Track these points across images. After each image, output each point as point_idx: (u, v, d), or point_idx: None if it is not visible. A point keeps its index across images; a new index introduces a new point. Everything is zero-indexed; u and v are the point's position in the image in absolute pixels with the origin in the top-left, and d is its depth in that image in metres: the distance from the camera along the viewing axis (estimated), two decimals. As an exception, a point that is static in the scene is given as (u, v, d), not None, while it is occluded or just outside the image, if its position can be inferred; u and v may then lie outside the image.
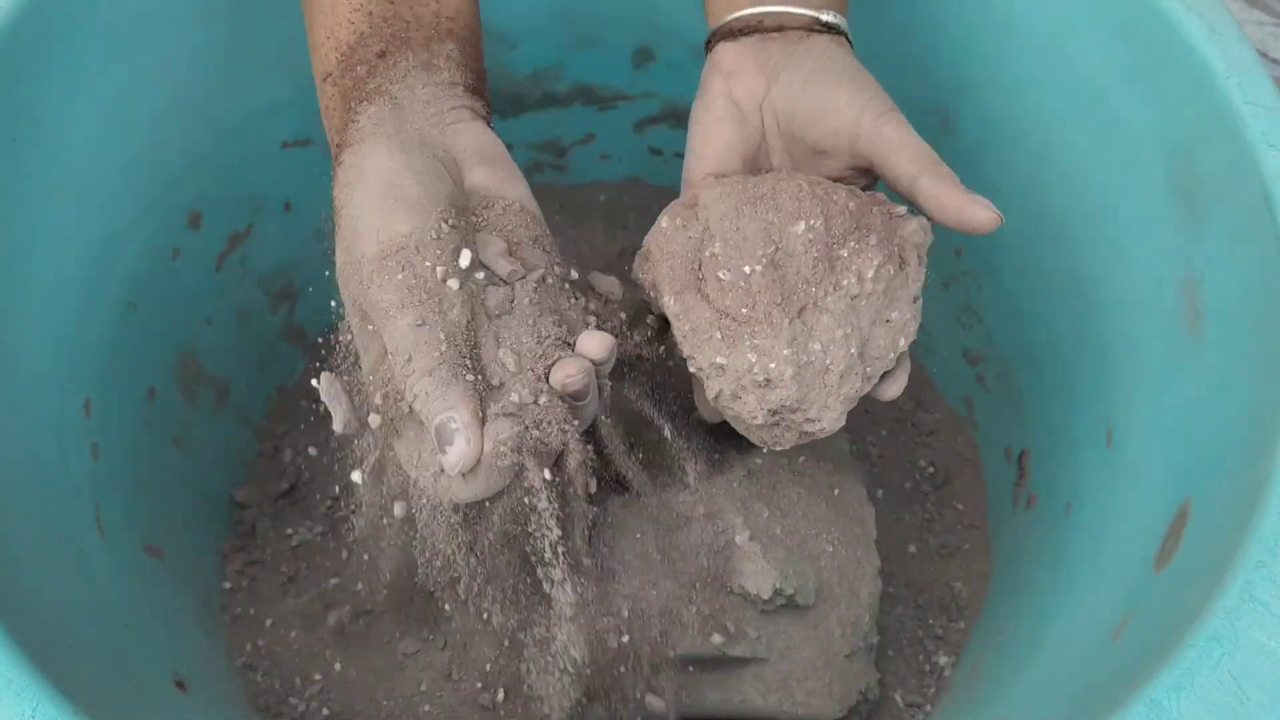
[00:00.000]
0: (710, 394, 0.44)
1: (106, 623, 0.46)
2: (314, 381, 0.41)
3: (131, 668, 0.45)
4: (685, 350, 0.44)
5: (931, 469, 0.67)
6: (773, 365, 0.42)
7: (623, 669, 0.47)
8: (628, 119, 0.73)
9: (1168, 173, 0.48)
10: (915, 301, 0.44)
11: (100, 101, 0.52)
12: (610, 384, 0.43)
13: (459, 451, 0.36)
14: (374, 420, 0.40)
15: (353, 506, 0.44)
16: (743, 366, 0.42)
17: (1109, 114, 0.52)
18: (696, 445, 0.50)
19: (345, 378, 0.42)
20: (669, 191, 0.50)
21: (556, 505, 0.41)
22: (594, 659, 0.47)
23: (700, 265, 0.44)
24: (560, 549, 0.42)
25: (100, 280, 0.53)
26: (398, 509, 0.42)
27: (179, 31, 0.55)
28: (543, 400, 0.39)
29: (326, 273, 0.42)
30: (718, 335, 0.43)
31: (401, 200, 0.39)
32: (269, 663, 0.58)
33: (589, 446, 0.43)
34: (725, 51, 0.48)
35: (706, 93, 0.48)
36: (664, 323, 0.47)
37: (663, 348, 0.49)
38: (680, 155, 0.50)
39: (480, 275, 0.40)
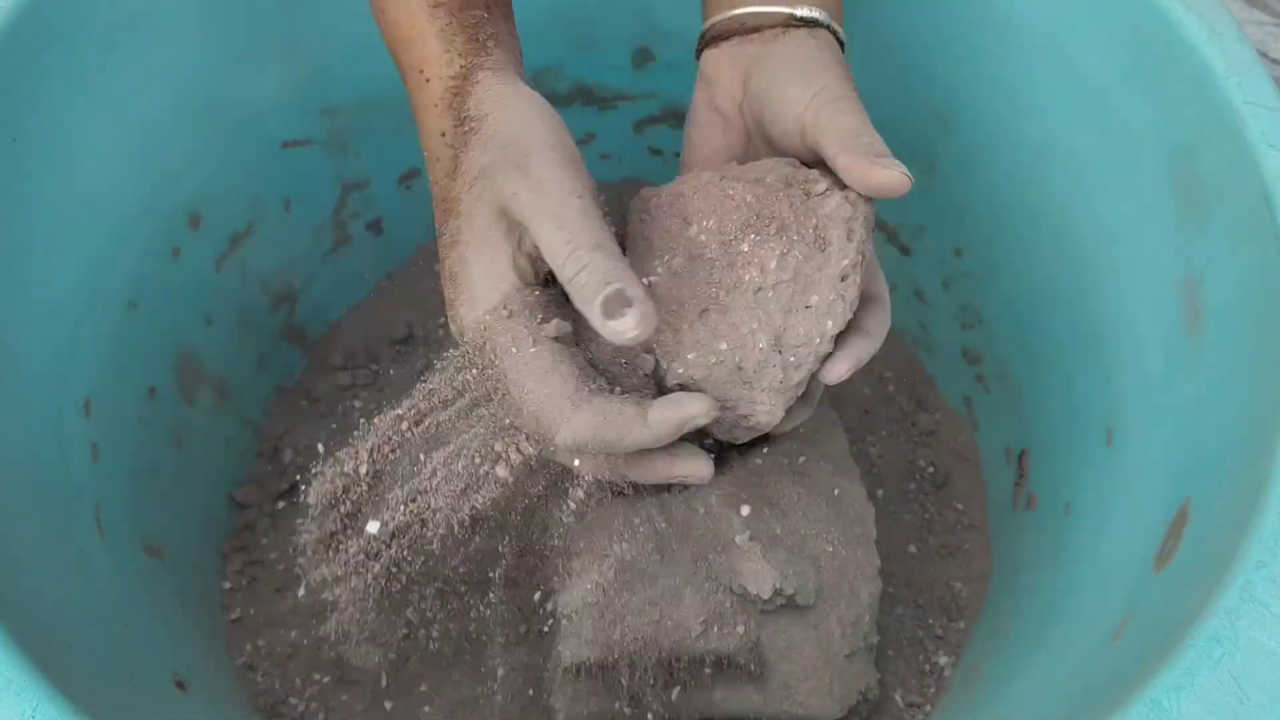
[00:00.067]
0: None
1: (106, 623, 0.46)
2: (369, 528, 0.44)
3: (131, 668, 0.45)
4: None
5: (931, 469, 0.67)
6: (682, 370, 0.43)
7: (622, 669, 0.47)
8: (627, 119, 0.73)
9: (1168, 173, 0.48)
10: (844, 280, 0.42)
11: (100, 101, 0.52)
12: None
13: (638, 312, 0.37)
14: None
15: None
16: (664, 373, 0.43)
17: (1109, 114, 0.52)
18: (695, 445, 0.50)
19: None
20: (669, 192, 0.50)
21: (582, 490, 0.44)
22: (594, 659, 0.47)
23: None
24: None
25: (100, 280, 0.53)
26: (372, 527, 0.43)
27: (179, 31, 0.55)
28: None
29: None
30: None
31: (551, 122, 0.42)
32: (269, 663, 0.58)
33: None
34: (707, 59, 0.48)
35: (693, 103, 0.48)
36: None
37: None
38: (680, 155, 0.50)
39: None
